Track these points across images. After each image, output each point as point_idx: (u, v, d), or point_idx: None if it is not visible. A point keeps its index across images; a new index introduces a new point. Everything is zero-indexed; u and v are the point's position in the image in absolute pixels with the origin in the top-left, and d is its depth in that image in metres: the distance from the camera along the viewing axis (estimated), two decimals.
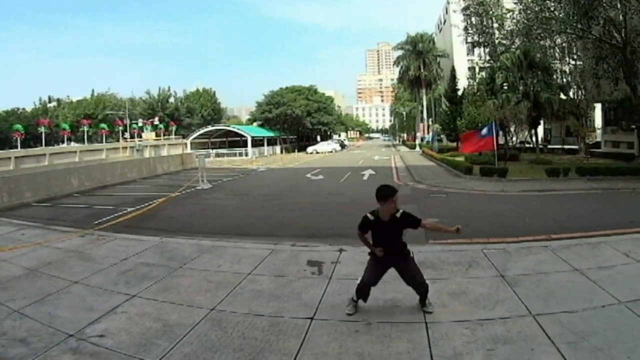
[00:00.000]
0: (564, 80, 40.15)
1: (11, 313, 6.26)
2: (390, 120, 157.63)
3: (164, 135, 58.23)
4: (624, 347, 4.89)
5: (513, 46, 37.44)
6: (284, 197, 19.34)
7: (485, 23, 42.46)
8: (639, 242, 9.16)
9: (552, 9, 27.64)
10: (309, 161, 46.81)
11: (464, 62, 71.14)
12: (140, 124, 59.41)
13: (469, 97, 46.05)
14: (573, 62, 39.39)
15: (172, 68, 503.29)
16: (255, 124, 78.78)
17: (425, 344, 5.15)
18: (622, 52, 25.76)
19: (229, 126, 71.74)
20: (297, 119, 73.38)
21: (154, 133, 57.43)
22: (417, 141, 67.76)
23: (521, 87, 36.12)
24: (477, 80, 50.25)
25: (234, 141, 64.95)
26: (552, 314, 5.81)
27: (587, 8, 24.76)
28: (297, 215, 15.06)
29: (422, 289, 6.02)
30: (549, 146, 44.72)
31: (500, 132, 32.52)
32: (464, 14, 44.40)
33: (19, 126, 51.24)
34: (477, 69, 54.49)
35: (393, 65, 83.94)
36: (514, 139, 36.92)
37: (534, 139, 40.71)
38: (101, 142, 55.32)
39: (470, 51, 61.39)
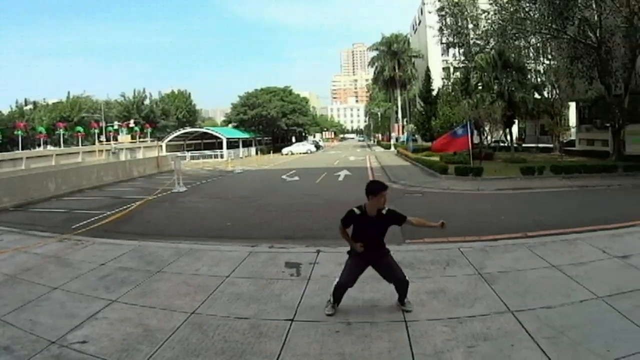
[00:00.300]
0: (539, 79, 40.98)
1: None
2: (365, 121, 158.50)
3: (140, 137, 57.95)
4: (602, 340, 4.98)
5: (488, 46, 37.89)
6: (260, 199, 19.29)
7: (460, 24, 43.01)
8: (615, 238, 9.38)
9: (527, 9, 28.12)
10: (284, 162, 46.76)
11: (438, 63, 71.99)
12: (116, 127, 59.14)
13: (443, 97, 46.58)
14: (547, 62, 40.19)
15: (147, 69, 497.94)
16: (230, 125, 78.70)
17: (405, 343, 5.18)
18: (597, 52, 26.39)
19: (204, 128, 71.73)
20: (272, 120, 73.53)
21: (129, 136, 57.31)
22: (392, 141, 68.33)
23: (496, 87, 36.72)
24: (451, 81, 50.74)
25: (210, 143, 65.13)
26: (531, 310, 5.90)
27: (562, 8, 25.29)
28: (274, 216, 15.04)
29: (403, 286, 6.05)
30: (524, 145, 45.53)
31: (475, 132, 32.88)
32: (439, 15, 44.95)
33: None
34: (451, 69, 54.98)
35: (368, 66, 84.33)
36: (489, 138, 37.39)
37: (508, 137, 41.39)
38: (77, 145, 54.83)
39: (445, 52, 61.76)
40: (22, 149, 48.73)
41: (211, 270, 8.12)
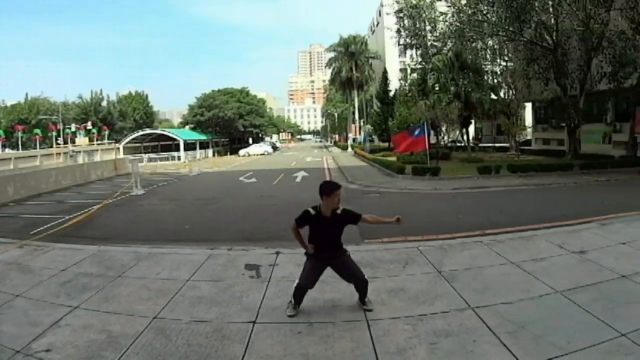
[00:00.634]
0: (495, 80, 42.15)
1: None
2: (322, 122, 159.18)
3: (97, 140, 57.12)
4: (563, 333, 5.10)
5: (445, 48, 38.74)
6: (218, 201, 19.24)
7: (418, 25, 43.67)
8: (572, 234, 9.69)
9: (484, 12, 28.87)
10: (241, 164, 46.80)
11: (396, 64, 73.05)
12: (73, 129, 57.93)
13: (400, 98, 47.16)
14: (504, 63, 41.45)
15: (105, 69, 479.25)
16: (187, 127, 78.64)
17: (368, 342, 5.22)
18: (553, 54, 27.32)
19: (161, 130, 71.43)
20: (229, 121, 73.64)
21: (87, 138, 56.35)
22: (349, 142, 68.82)
23: (452, 88, 37.46)
24: (408, 82, 51.45)
25: (167, 145, 65.11)
26: (491, 306, 6.00)
27: (519, 12, 26.09)
28: (232, 219, 14.99)
29: (362, 285, 6.07)
30: (481, 145, 46.74)
31: (432, 132, 33.40)
32: (397, 17, 45.48)
33: None
34: (409, 71, 55.82)
35: (325, 67, 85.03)
36: (446, 138, 38.14)
37: (465, 137, 42.30)
38: (35, 148, 53.48)
39: (403, 53, 62.84)
40: None
41: (171, 274, 8.05)
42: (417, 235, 10.56)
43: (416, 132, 25.11)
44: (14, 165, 33.12)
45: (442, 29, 35.30)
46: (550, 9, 26.95)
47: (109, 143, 54.02)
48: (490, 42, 35.23)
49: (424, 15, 41.40)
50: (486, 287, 6.69)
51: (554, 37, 27.18)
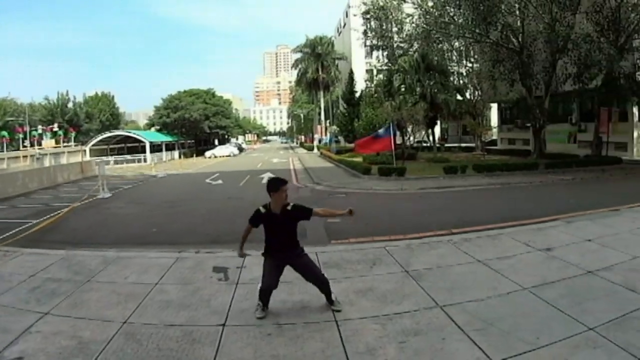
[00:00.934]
0: (461, 81, 42.95)
1: None
2: (288, 123, 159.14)
3: (64, 142, 56.23)
4: (531, 328, 5.20)
5: (411, 49, 39.14)
6: (184, 204, 19.13)
7: (384, 27, 43.86)
8: (538, 232, 9.89)
9: (451, 14, 29.32)
10: (207, 166, 46.56)
11: (362, 65, 73.38)
12: (40, 131, 56.69)
13: (366, 99, 47.56)
14: (470, 65, 42.10)
15: (71, 70, 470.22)
16: (153, 129, 77.94)
17: (338, 342, 5.26)
18: (519, 56, 27.95)
19: (127, 132, 70.93)
20: (195, 123, 73.42)
21: (53, 140, 55.41)
22: (315, 143, 68.93)
23: (418, 89, 37.83)
24: (375, 83, 51.90)
25: (133, 147, 64.80)
26: (459, 304, 6.07)
27: (485, 14, 26.57)
28: (199, 221, 14.93)
29: (323, 285, 6.10)
30: (447, 145, 47.46)
31: (398, 133, 33.61)
32: (363, 18, 45.63)
33: None
34: (375, 72, 56.29)
35: (291, 67, 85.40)
36: (412, 138, 38.50)
37: (431, 138, 42.78)
38: (2, 150, 52.00)
39: (369, 54, 63.23)
40: None
41: (140, 278, 8.01)
42: (384, 235, 10.67)
43: (382, 133, 25.21)
44: None
45: (408, 30, 35.54)
46: (517, 12, 27.53)
47: (75, 145, 53.46)
48: (457, 44, 35.85)
49: (390, 16, 41.64)
50: (454, 286, 6.77)
51: (520, 39, 27.81)
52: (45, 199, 22.49)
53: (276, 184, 5.92)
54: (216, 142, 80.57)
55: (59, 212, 16.93)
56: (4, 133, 55.29)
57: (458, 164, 25.14)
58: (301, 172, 32.05)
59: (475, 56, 38.63)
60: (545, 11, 25.70)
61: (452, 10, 29.16)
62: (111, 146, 66.11)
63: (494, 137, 43.67)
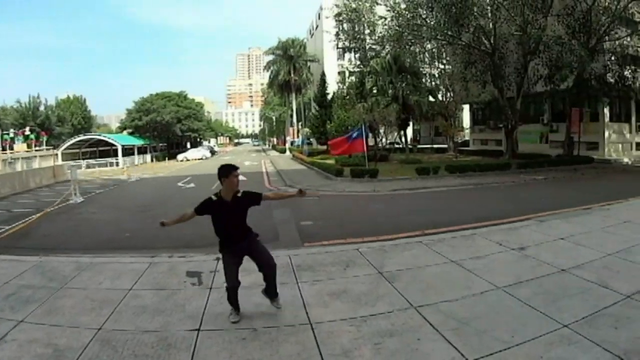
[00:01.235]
0: (433, 83, 43.33)
1: None
2: (260, 125, 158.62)
3: (36, 146, 55.37)
4: (506, 327, 5.24)
5: (383, 51, 39.32)
6: (156, 208, 18.96)
7: (357, 29, 44.00)
8: (511, 231, 10.03)
9: (424, 16, 29.59)
10: (179, 169, 46.27)
11: (334, 67, 73.50)
12: (11, 135, 55.41)
13: (338, 101, 47.60)
14: (442, 67, 42.55)
15: (43, 72, 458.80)
16: (125, 132, 77.43)
17: (313, 345, 5.27)
18: (491, 57, 28.36)
19: (99, 135, 70.11)
20: (167, 126, 73.20)
21: (25, 144, 54.53)
22: (287, 145, 69.03)
23: (390, 91, 38.13)
24: (347, 85, 51.97)
25: (105, 150, 64.56)
26: (433, 304, 6.10)
27: (458, 16, 26.89)
28: (172, 226, 14.61)
29: (272, 272, 6.09)
30: (419, 146, 47.79)
31: (370, 134, 33.75)
32: (336, 20, 45.74)
33: None
34: (347, 74, 56.55)
35: (263, 70, 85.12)
36: (384, 140, 38.60)
37: (403, 139, 43.02)
38: None
39: (341, 56, 63.67)
40: None
41: (114, 284, 7.92)
42: (357, 237, 10.72)
43: (354, 135, 25.29)
44: None
45: (381, 32, 35.70)
46: (489, 14, 27.95)
47: (47, 149, 52.62)
48: (429, 46, 36.07)
49: (363, 19, 41.87)
50: (428, 286, 6.80)
51: (492, 41, 28.23)
52: (17, 204, 22.20)
53: (227, 170, 5.91)
54: (188, 145, 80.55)
55: (31, 217, 16.91)
56: None
57: (431, 165, 25.35)
58: (273, 175, 31.97)
59: (448, 58, 39.03)
60: (517, 14, 26.18)
61: (424, 12, 29.42)
62: (83, 150, 65.51)
63: (467, 138, 44.20)
